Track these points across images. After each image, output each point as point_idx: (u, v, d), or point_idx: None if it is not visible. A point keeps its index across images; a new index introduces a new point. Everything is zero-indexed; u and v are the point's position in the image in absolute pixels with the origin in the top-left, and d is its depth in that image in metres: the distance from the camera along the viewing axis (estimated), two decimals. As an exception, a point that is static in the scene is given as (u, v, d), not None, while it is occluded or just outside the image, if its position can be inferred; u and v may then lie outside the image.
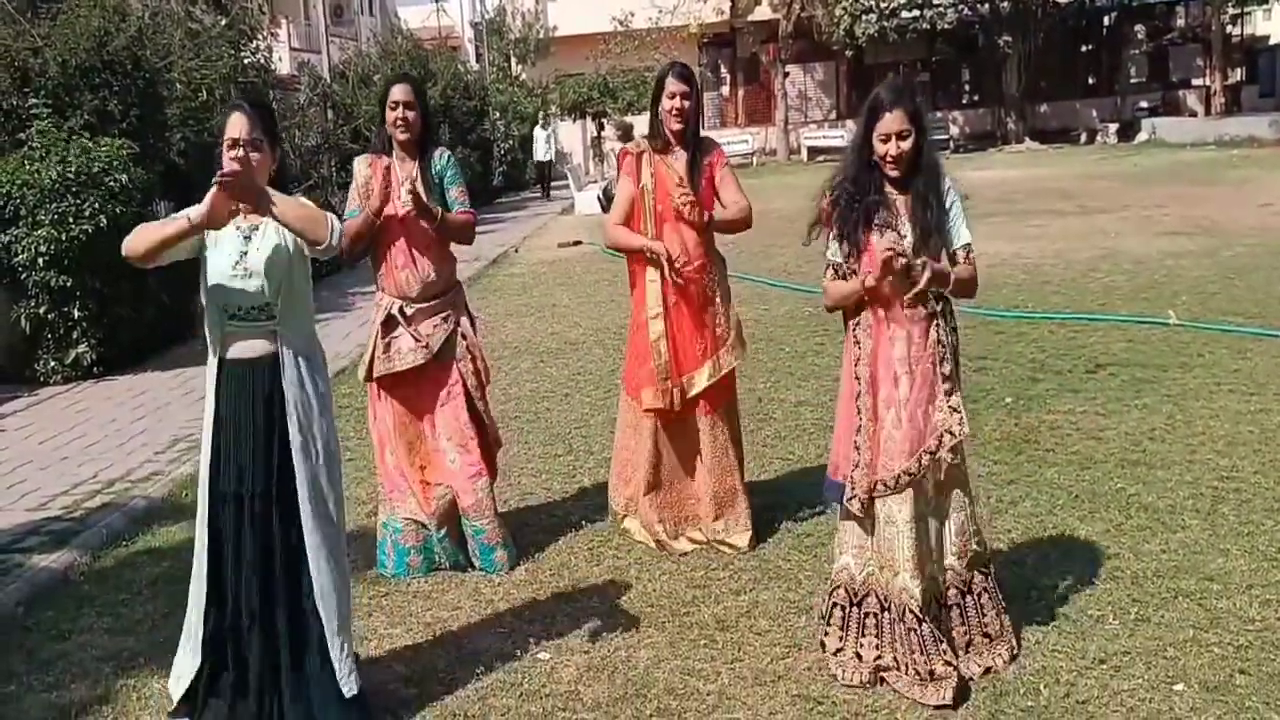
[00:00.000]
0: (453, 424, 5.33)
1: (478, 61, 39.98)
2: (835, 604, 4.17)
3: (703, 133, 5.54)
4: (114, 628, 5.03)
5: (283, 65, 23.50)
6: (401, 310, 5.23)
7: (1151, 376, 7.87)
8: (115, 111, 11.09)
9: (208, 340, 3.89)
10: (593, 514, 5.97)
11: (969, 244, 4.07)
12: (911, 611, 3.96)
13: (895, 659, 4.03)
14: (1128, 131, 34.63)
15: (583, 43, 34.96)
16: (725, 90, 40.83)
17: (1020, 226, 16.24)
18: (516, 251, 18.42)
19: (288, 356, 3.80)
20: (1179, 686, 3.92)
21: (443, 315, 5.29)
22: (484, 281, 15.28)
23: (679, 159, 5.36)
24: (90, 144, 10.30)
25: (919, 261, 3.83)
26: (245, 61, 15.02)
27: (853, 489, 4.04)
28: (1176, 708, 3.79)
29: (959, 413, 4.00)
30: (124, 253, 3.74)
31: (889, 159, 3.95)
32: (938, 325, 4.01)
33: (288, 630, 3.86)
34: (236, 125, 3.76)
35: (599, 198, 24.84)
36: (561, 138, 36.98)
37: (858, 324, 4.09)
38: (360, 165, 5.33)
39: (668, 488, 5.49)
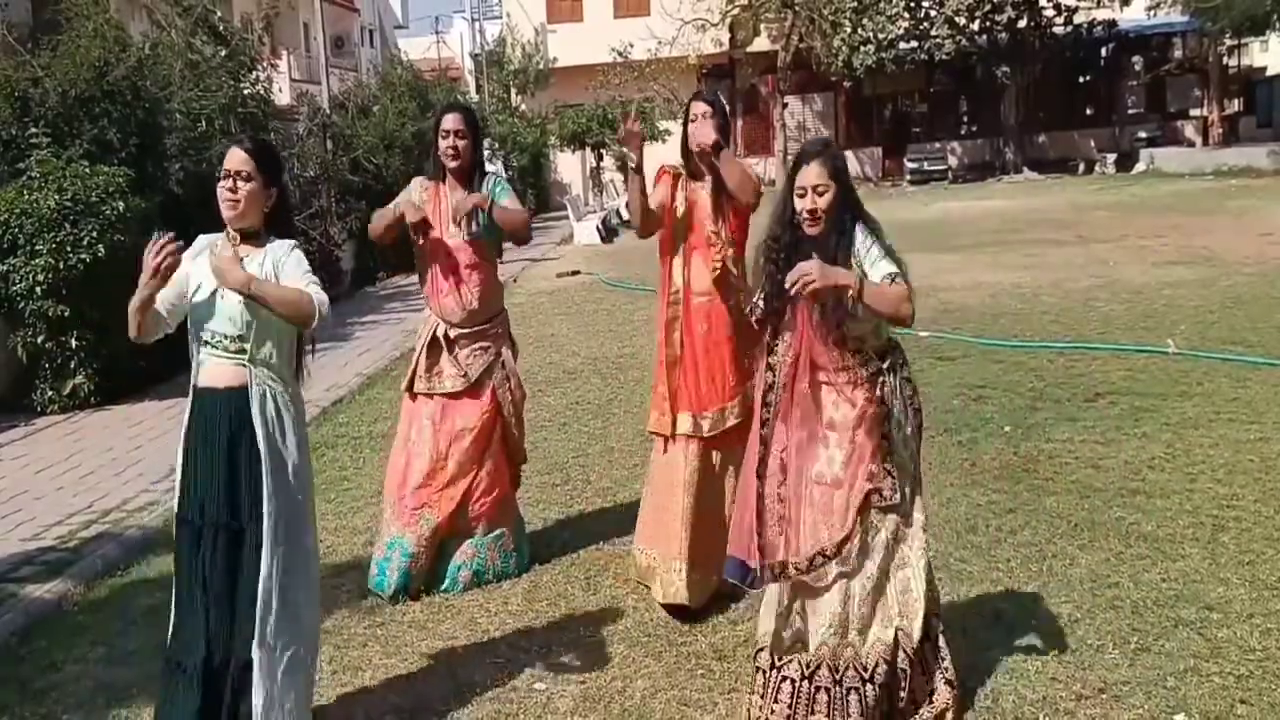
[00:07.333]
0: (469, 451, 5.42)
1: (477, 92, 40.13)
2: (786, 678, 3.81)
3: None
4: (108, 658, 5.00)
5: (283, 96, 23.58)
6: (446, 334, 5.39)
7: (1151, 405, 7.85)
8: (114, 141, 11.12)
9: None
10: (590, 543, 5.95)
11: (893, 273, 3.64)
12: (855, 669, 3.72)
13: None
14: (1126, 161, 34.80)
15: (582, 74, 35.17)
16: (724, 121, 40.97)
17: (1019, 256, 16.27)
18: (515, 281, 18.41)
19: (255, 390, 3.71)
20: (1179, 716, 3.89)
21: (483, 345, 5.46)
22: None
23: (706, 186, 5.04)
24: (88, 172, 10.32)
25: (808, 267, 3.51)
26: (245, 92, 15.08)
27: (759, 572, 3.83)
28: (1178, 738, 3.77)
29: (891, 476, 3.72)
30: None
31: (805, 213, 3.70)
32: (883, 384, 3.75)
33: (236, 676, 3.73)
34: (232, 158, 3.75)
35: (598, 228, 24.87)
36: (560, 168, 37.14)
37: (773, 350, 3.82)
38: (418, 186, 5.48)
39: (700, 543, 5.04)
